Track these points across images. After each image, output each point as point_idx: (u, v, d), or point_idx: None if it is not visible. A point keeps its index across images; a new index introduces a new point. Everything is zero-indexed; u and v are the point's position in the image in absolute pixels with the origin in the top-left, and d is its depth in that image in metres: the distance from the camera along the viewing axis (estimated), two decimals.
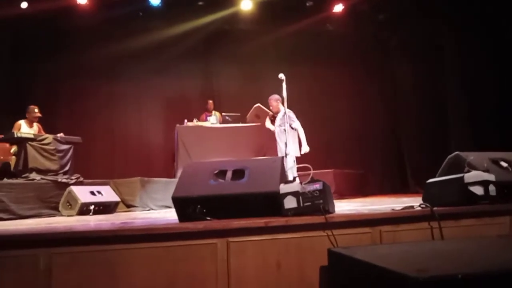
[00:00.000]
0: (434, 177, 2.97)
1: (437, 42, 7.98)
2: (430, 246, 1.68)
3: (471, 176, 2.54)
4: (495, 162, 2.89)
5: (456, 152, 2.98)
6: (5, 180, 5.50)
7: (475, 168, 2.62)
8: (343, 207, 3.77)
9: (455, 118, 7.70)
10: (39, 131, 6.54)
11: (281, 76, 4.82)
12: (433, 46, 8.06)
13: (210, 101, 8.53)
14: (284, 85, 4.76)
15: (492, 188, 2.52)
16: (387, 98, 9.54)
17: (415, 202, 2.78)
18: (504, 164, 2.89)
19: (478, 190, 2.50)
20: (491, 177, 2.55)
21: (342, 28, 9.38)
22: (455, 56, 7.60)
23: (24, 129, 6.42)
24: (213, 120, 7.79)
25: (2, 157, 6.28)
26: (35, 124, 6.62)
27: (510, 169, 2.85)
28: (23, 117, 6.55)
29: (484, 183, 2.52)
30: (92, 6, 8.31)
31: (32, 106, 6.59)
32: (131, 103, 9.23)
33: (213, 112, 8.26)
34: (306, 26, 8.93)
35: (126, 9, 8.41)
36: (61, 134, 6.27)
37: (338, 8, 9.07)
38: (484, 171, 2.58)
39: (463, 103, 7.49)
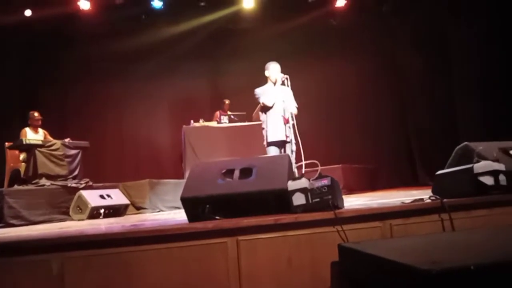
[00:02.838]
0: (443, 168, 2.94)
1: (444, 30, 7.90)
2: (441, 238, 1.67)
3: (480, 166, 2.51)
4: (505, 151, 2.85)
5: (465, 143, 2.95)
6: (16, 186, 5.56)
7: (485, 158, 2.59)
8: (353, 202, 3.75)
9: (464, 108, 7.63)
10: (45, 137, 6.59)
11: (282, 77, 4.53)
12: (439, 35, 7.99)
13: (227, 101, 8.52)
14: (287, 83, 4.64)
15: (502, 177, 2.49)
16: (395, 90, 9.46)
17: (425, 194, 2.76)
18: None
19: (488, 180, 2.47)
20: (501, 166, 2.51)
21: (346, 22, 9.32)
22: (463, 44, 7.51)
23: (30, 135, 6.48)
24: (225, 120, 7.80)
25: (12, 164, 6.34)
26: (40, 130, 6.67)
27: None
28: (28, 125, 6.61)
29: (494, 173, 2.48)
30: (95, 11, 8.38)
31: (32, 112, 6.64)
32: (138, 105, 9.29)
33: (228, 112, 8.25)
34: (309, 22, 8.91)
35: (128, 12, 8.48)
36: (68, 139, 6.31)
37: (341, 2, 9.03)
38: (493, 160, 2.54)
39: (471, 92, 7.42)
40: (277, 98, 4.57)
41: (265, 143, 4.62)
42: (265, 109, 4.66)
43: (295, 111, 4.60)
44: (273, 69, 4.67)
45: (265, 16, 9.04)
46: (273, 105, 4.59)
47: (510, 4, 6.52)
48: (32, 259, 2.08)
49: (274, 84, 4.64)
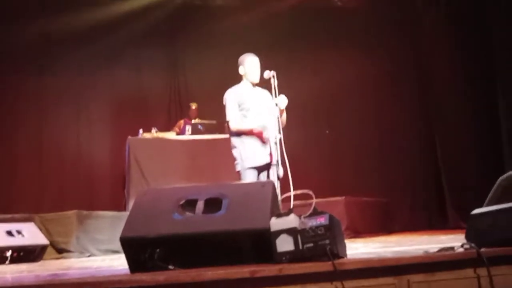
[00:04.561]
0: (481, 206, 2.99)
1: (487, 21, 8.07)
2: None
3: None
4: None
5: (511, 172, 3.02)
6: None
7: None
8: (359, 249, 3.81)
9: (510, 126, 7.77)
10: None
11: (268, 74, 4.60)
12: (481, 27, 8.15)
13: (194, 106, 8.50)
14: (274, 83, 4.65)
15: None
16: (420, 98, 9.61)
17: (456, 241, 2.80)
18: None
19: None
20: None
21: (355, 3, 9.50)
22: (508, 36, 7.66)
23: None
24: (190, 130, 7.79)
25: None
26: None
27: None
28: None
29: None
30: None
31: None
32: (67, 105, 9.18)
33: (197, 120, 8.21)
34: (305, 0, 9.04)
35: None
36: None
37: None
38: None
39: None
40: (257, 105, 4.60)
41: (239, 168, 4.58)
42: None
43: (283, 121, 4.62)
44: (250, 64, 4.70)
45: None
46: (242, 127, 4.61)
47: None
48: None
49: (253, 85, 4.68)
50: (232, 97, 4.69)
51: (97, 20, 8.64)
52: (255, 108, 4.60)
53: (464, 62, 8.58)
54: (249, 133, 4.54)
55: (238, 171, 4.59)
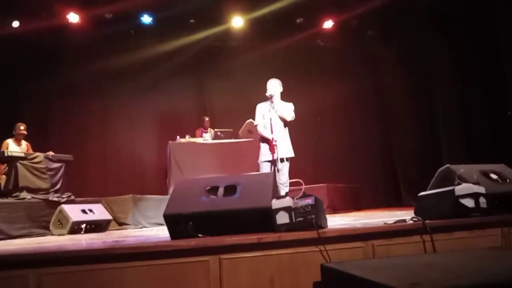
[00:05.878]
0: (426, 190, 2.98)
1: (428, 55, 8.08)
2: (423, 259, 1.68)
3: (461, 188, 2.56)
4: (485, 174, 2.92)
5: (447, 165, 3.01)
6: None
7: (466, 181, 2.64)
8: (336, 221, 3.77)
9: (447, 130, 7.76)
10: (27, 150, 6.50)
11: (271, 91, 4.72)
12: (423, 60, 8.16)
13: (207, 118, 8.53)
14: (272, 98, 4.70)
15: (482, 200, 2.54)
16: (380, 111, 9.62)
17: (407, 215, 2.79)
18: (493, 176, 2.91)
19: (468, 202, 2.52)
20: (481, 189, 2.57)
21: (333, 43, 9.54)
22: (446, 67, 7.67)
23: (12, 147, 6.38)
24: (208, 137, 7.79)
25: None
26: (23, 142, 6.58)
27: (500, 181, 2.87)
28: (12, 136, 6.53)
29: (475, 196, 2.53)
30: (84, 24, 8.35)
31: (18, 124, 6.57)
32: (123, 120, 9.21)
33: (209, 129, 8.26)
34: (297, 42, 9.05)
35: (118, 27, 8.46)
36: (51, 152, 6.22)
37: (328, 24, 9.19)
38: (474, 183, 2.59)
39: (455, 114, 7.56)
40: (272, 117, 4.60)
41: (259, 161, 4.72)
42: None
43: (290, 117, 4.67)
44: (267, 86, 4.76)
45: (254, 35, 9.14)
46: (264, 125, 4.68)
47: (494, 31, 6.72)
48: (8, 274, 2.02)
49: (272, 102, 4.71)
50: (259, 110, 4.79)
51: (142, 59, 8.66)
52: (270, 120, 4.59)
53: (409, 87, 8.60)
54: (266, 139, 4.63)
55: (258, 163, 4.72)
